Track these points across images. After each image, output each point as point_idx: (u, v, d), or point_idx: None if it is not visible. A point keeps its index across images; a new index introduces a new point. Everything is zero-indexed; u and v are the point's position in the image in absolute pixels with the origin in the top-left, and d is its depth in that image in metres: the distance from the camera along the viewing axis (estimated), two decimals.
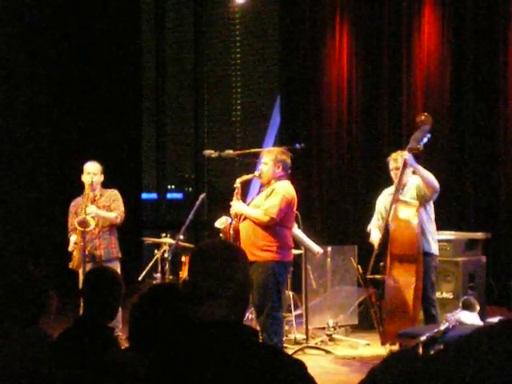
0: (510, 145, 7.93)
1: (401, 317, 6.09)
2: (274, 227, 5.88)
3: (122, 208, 6.82)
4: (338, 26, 9.07)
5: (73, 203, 6.90)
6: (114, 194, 6.87)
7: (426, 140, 6.17)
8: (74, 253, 6.70)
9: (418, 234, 6.11)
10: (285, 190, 5.95)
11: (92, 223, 6.59)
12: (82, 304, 6.44)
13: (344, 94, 9.04)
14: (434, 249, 6.31)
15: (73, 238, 6.77)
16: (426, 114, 6.36)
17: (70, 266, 6.73)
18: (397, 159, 6.31)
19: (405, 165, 6.16)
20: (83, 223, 6.57)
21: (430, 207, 6.32)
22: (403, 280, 6.15)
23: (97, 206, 6.68)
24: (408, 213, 6.17)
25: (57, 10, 10.03)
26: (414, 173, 6.34)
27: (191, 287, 2.13)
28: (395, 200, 6.22)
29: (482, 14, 8.06)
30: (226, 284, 2.10)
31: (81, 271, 6.63)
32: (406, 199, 6.27)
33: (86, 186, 6.70)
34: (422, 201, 6.21)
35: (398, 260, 6.20)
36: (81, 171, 6.82)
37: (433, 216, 6.36)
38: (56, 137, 10.01)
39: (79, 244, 6.62)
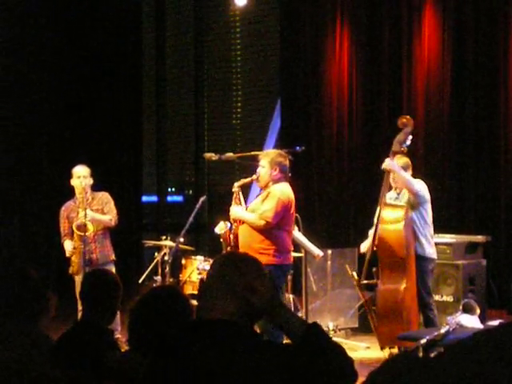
0: (510, 147, 7.93)
1: (393, 320, 6.08)
2: (271, 230, 5.86)
3: (115, 210, 6.83)
4: (338, 29, 9.07)
5: (63, 208, 6.86)
6: (105, 196, 6.86)
7: (408, 142, 6.28)
8: (73, 258, 6.68)
9: (405, 237, 6.13)
10: (281, 192, 5.90)
11: (91, 228, 6.58)
12: (80, 307, 6.49)
13: (344, 96, 9.04)
14: (429, 252, 6.30)
15: (68, 243, 6.75)
16: (407, 116, 6.46)
17: (70, 272, 6.71)
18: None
19: (388, 172, 6.25)
20: (82, 228, 6.56)
21: (426, 210, 6.32)
22: (393, 283, 6.16)
23: (87, 200, 6.66)
24: (394, 216, 6.21)
25: (58, 13, 10.03)
26: (414, 176, 6.40)
27: (204, 284, 2.26)
28: (382, 204, 6.28)
29: (483, 16, 8.06)
30: (232, 285, 2.17)
31: (79, 276, 6.61)
32: (392, 202, 6.34)
33: (80, 190, 6.68)
34: (414, 205, 6.25)
35: (387, 264, 6.22)
36: (70, 175, 6.79)
37: (429, 219, 6.35)
38: (56, 140, 10.00)
39: (78, 249, 6.60)
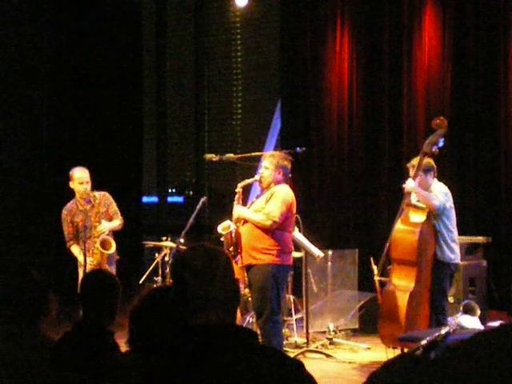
0: (510, 148, 7.93)
1: (394, 321, 6.06)
2: (275, 231, 5.90)
3: (119, 211, 6.79)
4: (338, 30, 9.07)
5: (65, 211, 6.74)
6: (106, 197, 6.77)
7: (441, 144, 6.15)
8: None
9: (419, 241, 6.06)
10: (285, 193, 5.97)
11: (113, 246, 6.49)
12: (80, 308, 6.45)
13: (345, 97, 9.04)
14: (449, 257, 6.18)
15: (76, 249, 6.68)
16: (441, 117, 6.31)
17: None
18: (415, 165, 6.24)
19: (408, 192, 6.17)
20: (105, 244, 6.48)
21: (448, 217, 6.19)
22: (401, 284, 6.13)
23: (95, 212, 6.58)
24: (416, 218, 6.14)
25: (58, 12, 10.03)
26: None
27: (180, 299, 2.13)
28: (405, 204, 6.21)
29: (483, 16, 8.07)
30: (211, 290, 2.10)
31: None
32: (416, 203, 6.23)
33: (84, 196, 6.58)
34: (436, 215, 6.15)
35: (397, 263, 6.19)
36: (68, 177, 6.68)
37: (452, 224, 6.22)
38: (56, 141, 10.00)
39: (102, 266, 6.40)
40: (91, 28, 10.24)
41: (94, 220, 6.56)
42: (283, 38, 9.71)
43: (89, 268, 6.47)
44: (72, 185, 6.64)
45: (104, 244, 6.51)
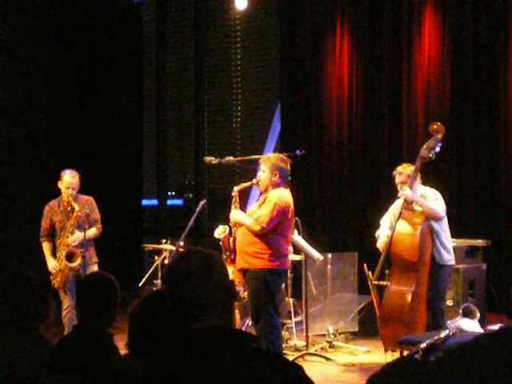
0: (510, 151, 7.93)
1: (396, 322, 6.09)
2: (267, 235, 5.82)
3: (99, 219, 6.83)
4: (338, 33, 9.08)
5: (47, 207, 6.83)
6: (90, 202, 6.82)
7: (438, 149, 6.26)
8: (56, 274, 6.65)
9: (420, 242, 6.11)
10: (277, 198, 5.86)
11: (79, 260, 6.57)
12: (65, 312, 6.52)
13: (345, 100, 9.04)
14: (447, 259, 6.26)
15: (46, 248, 6.75)
16: (438, 123, 6.41)
17: (52, 285, 6.58)
18: (402, 173, 6.32)
19: (405, 200, 6.21)
20: (72, 256, 6.56)
21: (443, 219, 6.31)
22: (402, 286, 6.17)
23: (70, 224, 6.62)
24: (414, 220, 6.19)
25: (58, 11, 10.03)
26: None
27: (176, 305, 2.13)
28: (403, 207, 6.26)
29: (483, 21, 8.06)
30: (208, 295, 2.10)
31: (61, 289, 6.64)
32: (414, 206, 6.28)
33: (67, 200, 6.65)
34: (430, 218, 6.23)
35: (398, 265, 6.23)
36: (59, 177, 6.73)
37: (445, 226, 6.33)
38: (56, 143, 10.00)
39: (65, 273, 6.58)
40: (91, 29, 10.25)
41: (67, 229, 6.64)
42: (283, 39, 9.71)
43: (52, 271, 6.64)
44: (60, 185, 6.74)
45: (69, 255, 6.59)
